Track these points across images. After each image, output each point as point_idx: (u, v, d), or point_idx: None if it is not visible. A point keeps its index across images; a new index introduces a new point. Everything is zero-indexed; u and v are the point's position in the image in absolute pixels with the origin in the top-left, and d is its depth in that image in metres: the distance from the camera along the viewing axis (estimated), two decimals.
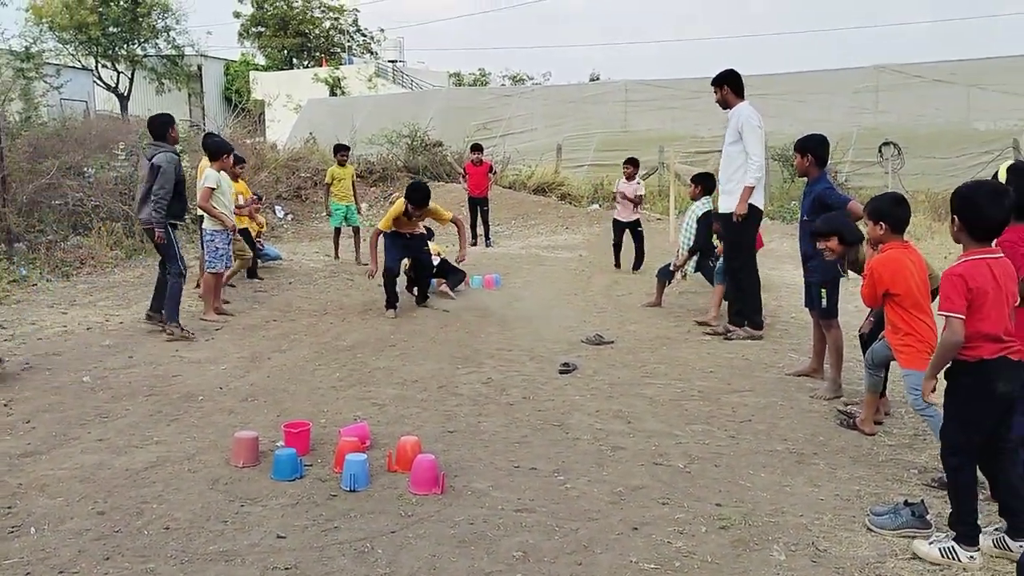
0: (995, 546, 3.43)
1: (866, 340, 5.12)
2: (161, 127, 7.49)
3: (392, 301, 8.43)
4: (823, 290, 5.63)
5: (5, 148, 10.62)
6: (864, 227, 4.65)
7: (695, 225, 8.43)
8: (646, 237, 11.51)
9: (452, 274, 9.66)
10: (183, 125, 21.18)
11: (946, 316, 3.36)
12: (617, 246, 11.44)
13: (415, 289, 9.12)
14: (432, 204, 8.41)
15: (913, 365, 4.24)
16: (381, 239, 8.58)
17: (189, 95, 40.30)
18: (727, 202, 7.22)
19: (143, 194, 7.40)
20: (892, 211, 4.38)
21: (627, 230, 11.33)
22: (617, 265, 11.43)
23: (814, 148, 5.94)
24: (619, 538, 3.54)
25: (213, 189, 7.95)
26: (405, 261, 8.98)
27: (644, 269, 11.14)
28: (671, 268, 8.71)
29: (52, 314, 8.17)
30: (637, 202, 11.28)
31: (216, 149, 8.22)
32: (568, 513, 3.80)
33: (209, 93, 41.56)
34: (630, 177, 11.34)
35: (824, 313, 5.66)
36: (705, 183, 8.60)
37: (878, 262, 4.37)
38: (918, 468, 4.34)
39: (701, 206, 8.48)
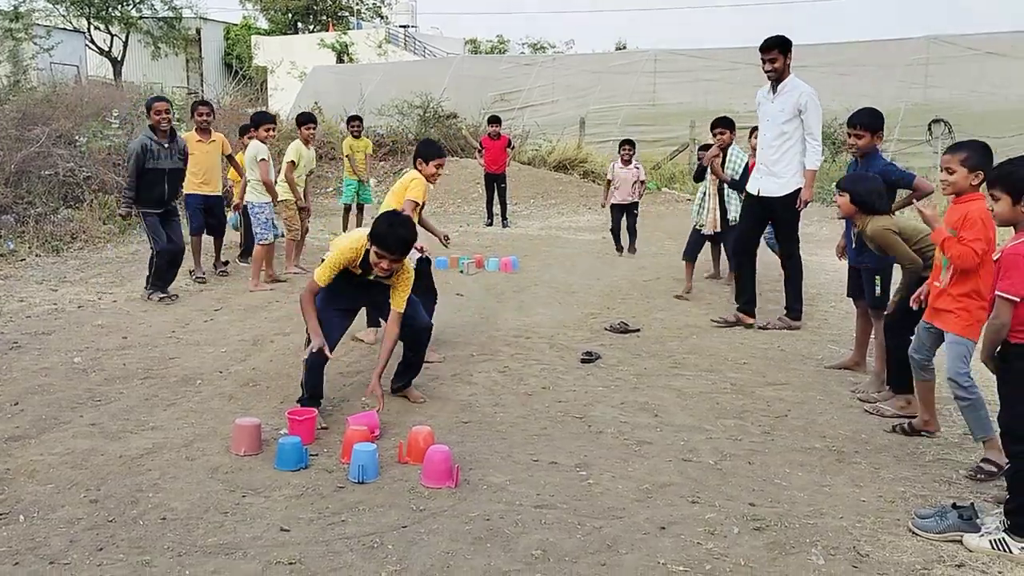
0: (993, 547, 3.47)
1: (893, 325, 5.11)
2: (146, 109, 8.14)
3: (312, 391, 4.97)
4: (877, 277, 5.58)
5: None
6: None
7: (741, 170, 8.39)
8: (668, 216, 11.53)
9: (424, 294, 6.05)
10: (180, 92, 21.25)
11: (1007, 297, 3.43)
12: (616, 232, 11.49)
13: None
14: (407, 264, 5.05)
15: (968, 333, 4.21)
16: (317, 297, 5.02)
17: (187, 60, 40.40)
18: (773, 185, 7.08)
19: None
20: None
21: (625, 213, 11.38)
22: (619, 250, 11.47)
23: (880, 124, 5.85)
24: (645, 538, 3.54)
25: (267, 161, 8.69)
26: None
27: (639, 253, 11.26)
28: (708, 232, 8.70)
29: (41, 291, 8.24)
30: (640, 186, 11.46)
31: (255, 121, 9.11)
32: (591, 510, 3.80)
33: (208, 58, 41.65)
34: (627, 161, 11.35)
35: (876, 302, 5.61)
36: (732, 128, 8.59)
37: (985, 211, 4.26)
38: (967, 469, 4.32)
39: (742, 153, 8.45)
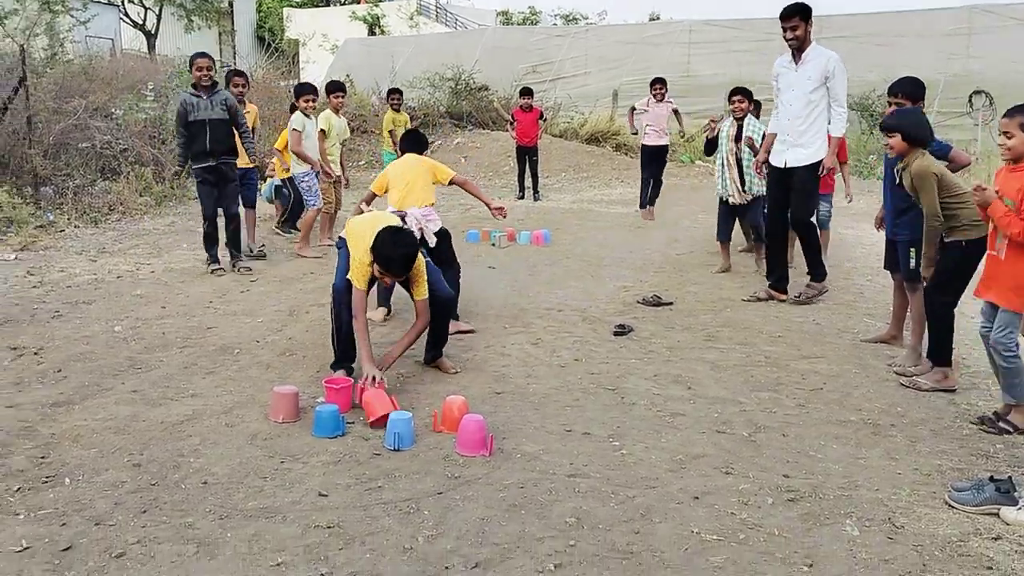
0: None
1: (934, 298, 5.08)
2: (189, 65, 8.20)
3: (343, 355, 5.20)
4: (913, 250, 5.52)
5: (31, 86, 10.83)
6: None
7: (760, 139, 8.03)
8: (702, 189, 11.44)
9: (448, 267, 6.17)
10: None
11: None
12: (646, 184, 11.40)
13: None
14: (419, 263, 5.04)
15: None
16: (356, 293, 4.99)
17: (220, 34, 40.50)
18: (801, 154, 7.02)
19: None
20: None
21: (655, 161, 11.30)
22: (643, 205, 11.42)
23: (922, 93, 5.78)
24: (679, 507, 3.57)
25: (300, 132, 8.73)
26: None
27: (661, 203, 11.29)
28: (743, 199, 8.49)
29: (81, 261, 8.38)
30: (677, 115, 11.51)
31: (296, 92, 9.22)
32: (624, 480, 3.83)
33: (241, 31, 41.74)
34: (661, 98, 11.29)
35: (912, 274, 5.56)
36: (750, 98, 8.41)
37: None
38: (1005, 443, 4.30)
39: (759, 123, 8.28)
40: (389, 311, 6.59)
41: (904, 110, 5.35)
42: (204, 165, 7.89)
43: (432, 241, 5.94)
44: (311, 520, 3.39)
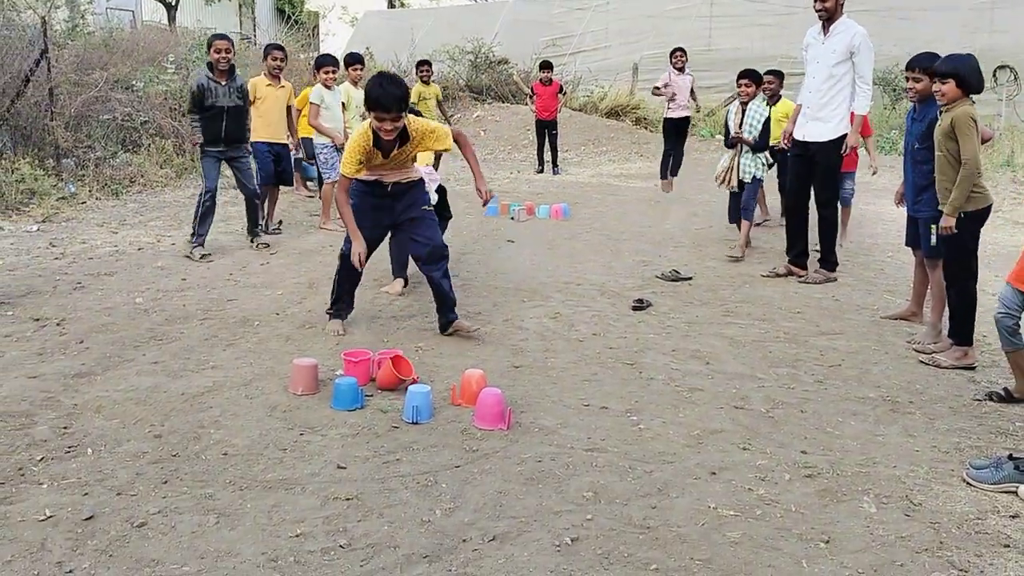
0: None
1: (956, 274, 5.05)
2: (207, 46, 7.95)
3: (342, 306, 5.60)
4: (933, 227, 5.45)
5: (52, 58, 10.84)
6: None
7: (759, 127, 7.90)
8: (712, 164, 11.36)
9: (441, 211, 6.54)
10: (233, 38, 21.25)
11: None
12: (667, 158, 11.33)
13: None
14: (420, 120, 5.23)
15: None
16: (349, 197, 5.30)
17: (239, 6, 40.31)
18: (819, 129, 6.92)
19: None
20: None
21: (678, 133, 11.27)
22: (664, 176, 11.38)
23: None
24: (696, 482, 3.57)
25: (319, 105, 8.60)
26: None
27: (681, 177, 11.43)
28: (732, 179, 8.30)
29: (102, 233, 8.42)
30: (694, 97, 11.70)
31: (316, 64, 8.99)
32: (642, 454, 3.83)
33: (261, 3, 41.53)
34: (682, 66, 11.20)
35: (933, 252, 5.49)
36: (759, 81, 8.16)
37: None
38: None
39: (763, 107, 8.12)
40: (406, 283, 6.59)
41: (958, 55, 5.09)
42: (217, 150, 7.68)
43: (434, 198, 6.10)
44: (330, 492, 3.41)
